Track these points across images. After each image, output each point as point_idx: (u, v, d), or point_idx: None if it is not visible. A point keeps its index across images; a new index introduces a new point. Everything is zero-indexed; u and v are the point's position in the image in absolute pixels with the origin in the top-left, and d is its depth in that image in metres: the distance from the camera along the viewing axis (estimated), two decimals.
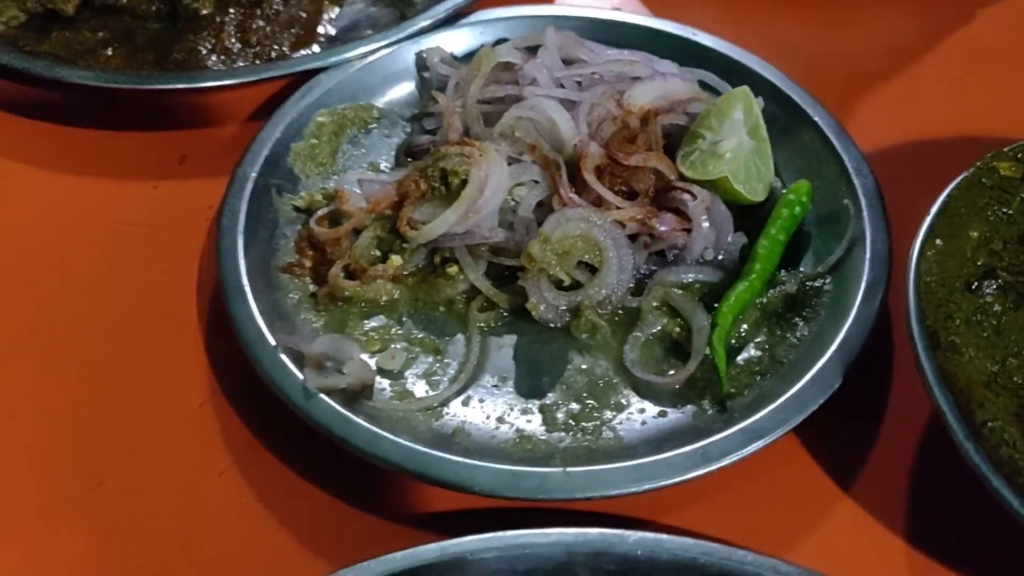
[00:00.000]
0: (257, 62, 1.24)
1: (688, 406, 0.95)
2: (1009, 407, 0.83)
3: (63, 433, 0.96)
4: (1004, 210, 0.96)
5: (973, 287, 0.91)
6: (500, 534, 0.83)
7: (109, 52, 1.26)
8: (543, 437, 0.93)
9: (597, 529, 0.83)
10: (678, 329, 1.00)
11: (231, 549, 0.89)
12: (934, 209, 0.95)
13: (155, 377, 0.99)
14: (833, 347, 0.93)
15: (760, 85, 1.14)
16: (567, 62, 1.16)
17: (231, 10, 1.27)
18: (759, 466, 0.90)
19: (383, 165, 1.16)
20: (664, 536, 0.83)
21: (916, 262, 0.92)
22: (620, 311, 1.01)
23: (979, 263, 0.93)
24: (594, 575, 0.83)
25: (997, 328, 0.88)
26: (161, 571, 0.87)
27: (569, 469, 0.87)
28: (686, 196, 1.04)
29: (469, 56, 1.21)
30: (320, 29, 1.30)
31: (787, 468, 0.92)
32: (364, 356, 0.97)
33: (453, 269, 1.03)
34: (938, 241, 0.94)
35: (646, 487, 0.86)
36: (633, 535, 0.83)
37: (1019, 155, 0.99)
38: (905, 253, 0.94)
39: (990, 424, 0.82)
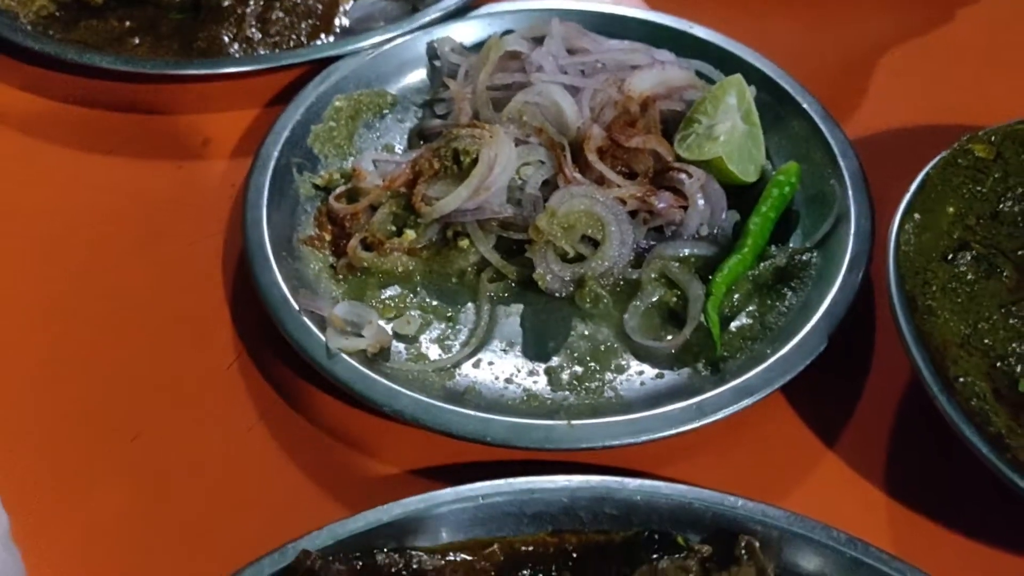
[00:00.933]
0: (276, 50, 1.31)
1: (684, 368, 1.02)
2: (980, 366, 0.90)
3: (102, 391, 1.02)
4: (978, 188, 1.03)
5: (949, 258, 0.98)
6: (509, 480, 0.89)
7: (136, 41, 1.33)
8: (549, 396, 1.00)
9: (599, 477, 0.90)
10: (675, 299, 1.07)
11: (258, 497, 0.95)
12: (913, 186, 1.03)
13: (186, 341, 1.06)
14: (819, 313, 1.00)
15: (753, 75, 1.21)
16: (571, 51, 1.23)
17: (251, 1, 1.34)
18: (749, 422, 0.97)
19: (397, 147, 1.23)
20: (661, 483, 0.89)
21: (896, 233, 0.99)
22: (621, 282, 1.08)
23: (955, 236, 1.00)
24: (596, 519, 0.89)
25: (970, 295, 0.95)
26: (193, 516, 0.94)
27: (573, 422, 0.94)
28: (683, 176, 1.11)
29: (478, 46, 1.27)
30: (336, 20, 1.37)
31: (776, 424, 0.99)
32: (381, 322, 1.04)
33: (464, 242, 1.10)
34: (916, 215, 1.01)
35: (644, 439, 0.93)
36: (632, 482, 0.89)
37: (992, 138, 1.06)
38: (887, 229, 1.01)
39: (962, 379, 0.89)
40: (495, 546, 0.88)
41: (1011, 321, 0.93)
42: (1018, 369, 0.90)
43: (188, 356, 1.05)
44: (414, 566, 0.86)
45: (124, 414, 1.00)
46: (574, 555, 0.88)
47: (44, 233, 1.16)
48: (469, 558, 0.87)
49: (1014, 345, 0.92)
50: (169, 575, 0.89)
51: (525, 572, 0.87)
